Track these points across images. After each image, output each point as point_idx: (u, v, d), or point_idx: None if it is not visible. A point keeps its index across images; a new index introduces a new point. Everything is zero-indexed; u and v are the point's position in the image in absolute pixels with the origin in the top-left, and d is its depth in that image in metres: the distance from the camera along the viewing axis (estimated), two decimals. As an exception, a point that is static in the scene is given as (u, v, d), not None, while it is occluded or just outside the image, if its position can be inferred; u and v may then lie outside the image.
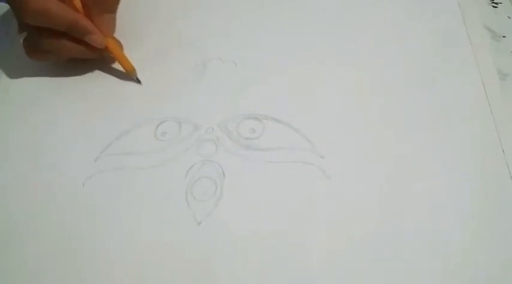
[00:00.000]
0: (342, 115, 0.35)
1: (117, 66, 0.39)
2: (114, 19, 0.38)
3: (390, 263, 0.29)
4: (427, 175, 0.32)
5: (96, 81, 0.39)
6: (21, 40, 0.38)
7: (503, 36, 0.39)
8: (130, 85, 0.38)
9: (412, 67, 0.37)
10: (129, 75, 0.39)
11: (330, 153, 0.34)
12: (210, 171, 0.33)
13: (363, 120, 0.35)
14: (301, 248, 0.30)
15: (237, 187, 0.33)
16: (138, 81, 0.38)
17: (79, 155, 0.35)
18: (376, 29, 0.40)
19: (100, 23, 0.37)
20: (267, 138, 0.35)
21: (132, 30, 0.41)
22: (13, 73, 0.40)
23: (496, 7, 0.41)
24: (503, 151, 0.33)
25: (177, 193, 0.33)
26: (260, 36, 0.40)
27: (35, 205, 0.33)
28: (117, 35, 0.39)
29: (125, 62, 0.38)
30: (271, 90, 0.37)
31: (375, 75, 0.37)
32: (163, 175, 0.34)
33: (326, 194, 0.32)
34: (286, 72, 0.38)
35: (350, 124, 0.35)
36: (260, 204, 0.32)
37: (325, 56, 0.39)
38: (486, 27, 0.40)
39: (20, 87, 0.39)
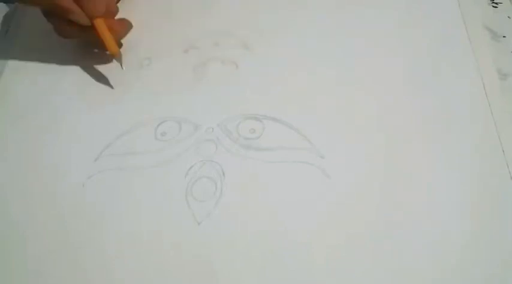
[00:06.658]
0: (342, 115, 0.35)
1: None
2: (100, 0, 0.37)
3: (390, 263, 0.29)
4: (427, 175, 0.32)
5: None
6: None
7: (503, 36, 0.39)
8: (130, 85, 0.38)
9: (412, 67, 0.37)
10: (113, 58, 0.38)
11: (330, 153, 0.34)
12: (210, 171, 0.33)
13: (363, 120, 0.35)
14: (301, 248, 0.30)
15: (237, 187, 0.33)
16: (121, 66, 0.38)
17: (79, 155, 0.35)
18: (376, 30, 0.40)
19: (84, 3, 0.36)
20: (267, 138, 0.35)
21: (133, 29, 0.41)
22: (13, 73, 0.40)
23: (496, 7, 0.41)
24: (503, 151, 0.33)
25: (177, 193, 0.33)
26: (260, 36, 0.40)
27: (35, 205, 0.33)
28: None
29: (109, 43, 0.37)
30: (272, 90, 0.37)
31: (375, 76, 0.37)
32: (163, 175, 0.34)
33: (326, 194, 0.32)
34: (286, 72, 0.38)
35: (350, 125, 0.35)
36: (260, 204, 0.32)
37: (325, 56, 0.39)
38: (486, 27, 0.40)
39: (20, 86, 0.39)
